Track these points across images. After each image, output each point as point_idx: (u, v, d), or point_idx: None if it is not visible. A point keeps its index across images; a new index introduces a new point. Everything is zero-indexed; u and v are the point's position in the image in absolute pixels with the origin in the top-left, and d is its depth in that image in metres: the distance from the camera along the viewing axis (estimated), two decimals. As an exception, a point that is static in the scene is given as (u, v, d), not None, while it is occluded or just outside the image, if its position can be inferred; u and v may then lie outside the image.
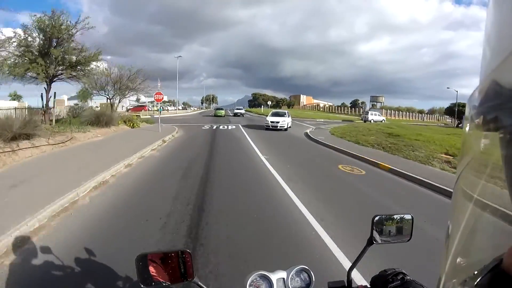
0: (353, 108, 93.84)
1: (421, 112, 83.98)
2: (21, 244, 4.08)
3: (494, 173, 0.40)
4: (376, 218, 1.17)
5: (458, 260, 0.49)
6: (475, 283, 0.41)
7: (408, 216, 1.20)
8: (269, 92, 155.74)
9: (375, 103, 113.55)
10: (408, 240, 1.21)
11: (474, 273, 0.42)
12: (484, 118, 0.39)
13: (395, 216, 1.21)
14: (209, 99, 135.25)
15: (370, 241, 1.18)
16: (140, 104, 47.47)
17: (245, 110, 58.71)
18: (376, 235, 1.17)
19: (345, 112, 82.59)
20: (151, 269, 0.94)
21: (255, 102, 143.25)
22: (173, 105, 77.76)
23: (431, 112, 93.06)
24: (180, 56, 46.00)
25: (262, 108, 66.92)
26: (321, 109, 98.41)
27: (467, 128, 0.46)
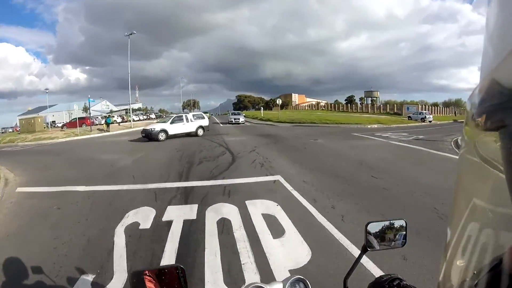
0: (348, 105, 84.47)
1: (435, 105, 74.32)
2: None
3: (494, 172, 0.40)
4: (370, 225, 1.13)
5: (458, 260, 0.50)
6: (475, 283, 0.41)
7: (401, 222, 1.15)
8: (252, 94, 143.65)
9: (370, 98, 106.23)
10: (403, 245, 1.16)
11: (474, 273, 0.43)
12: (484, 117, 0.39)
13: (388, 222, 1.15)
14: (190, 105, 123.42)
15: (365, 248, 1.13)
16: (80, 117, 34.28)
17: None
18: (370, 241, 1.12)
19: (346, 109, 72.55)
20: (147, 284, 0.93)
21: (240, 105, 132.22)
22: (145, 114, 65.17)
23: (446, 105, 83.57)
24: (133, 33, 32.40)
25: (261, 111, 52.92)
26: (322, 108, 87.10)
27: (467, 127, 0.46)
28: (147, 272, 0.95)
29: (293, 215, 4.62)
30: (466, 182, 0.50)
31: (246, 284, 1.06)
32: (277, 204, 5.12)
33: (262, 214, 4.68)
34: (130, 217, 4.81)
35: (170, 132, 17.91)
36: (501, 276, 0.38)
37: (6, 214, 5.42)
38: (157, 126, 18.14)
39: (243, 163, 8.84)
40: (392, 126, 27.51)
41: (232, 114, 39.04)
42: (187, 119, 19.18)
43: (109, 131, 29.35)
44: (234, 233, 4.06)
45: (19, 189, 7.05)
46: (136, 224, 4.53)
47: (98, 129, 29.63)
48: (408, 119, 37.78)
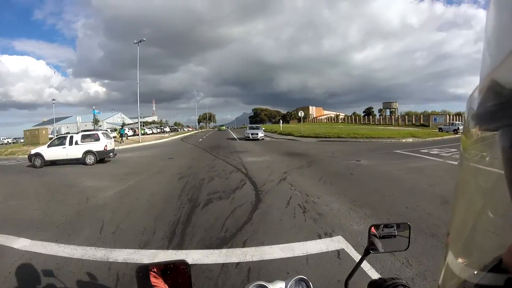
0: (366, 117, 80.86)
1: (458, 114, 69.76)
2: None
3: (494, 172, 0.40)
4: (373, 227, 1.13)
5: (458, 260, 0.49)
6: (475, 283, 0.41)
7: (405, 225, 1.15)
8: (268, 108, 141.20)
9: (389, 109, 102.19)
10: (406, 249, 1.15)
11: (474, 273, 0.43)
12: (484, 118, 0.39)
13: (391, 225, 1.15)
14: (206, 118, 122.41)
15: (367, 251, 1.12)
16: (85, 130, 32.10)
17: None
18: (373, 244, 1.12)
19: (365, 122, 68.55)
20: (152, 279, 0.90)
21: (256, 118, 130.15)
22: (159, 127, 63.40)
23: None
24: (142, 40, 30.40)
25: (280, 125, 49.06)
26: (341, 120, 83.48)
27: (467, 128, 0.45)
28: (150, 267, 0.93)
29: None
30: (466, 182, 0.50)
31: (249, 283, 1.03)
32: None
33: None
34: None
35: (47, 157, 14.32)
36: (501, 276, 0.37)
37: None
38: (39, 149, 14.87)
39: (273, 205, 5.76)
40: (428, 140, 23.81)
41: (249, 128, 32.13)
42: (71, 141, 14.75)
43: (123, 142, 29.25)
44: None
45: None
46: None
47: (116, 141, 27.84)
48: (439, 131, 33.88)
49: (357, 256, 3.51)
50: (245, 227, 4.60)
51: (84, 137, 14.90)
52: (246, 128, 35.68)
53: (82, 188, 8.20)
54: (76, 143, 14.68)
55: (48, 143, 15.18)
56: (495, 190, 0.41)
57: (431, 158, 11.93)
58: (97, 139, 14.89)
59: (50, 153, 14.49)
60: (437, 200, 5.65)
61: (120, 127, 36.55)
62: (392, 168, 9.63)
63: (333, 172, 9.00)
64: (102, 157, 14.61)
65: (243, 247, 3.92)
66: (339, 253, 3.68)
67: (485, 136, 0.40)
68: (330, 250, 3.77)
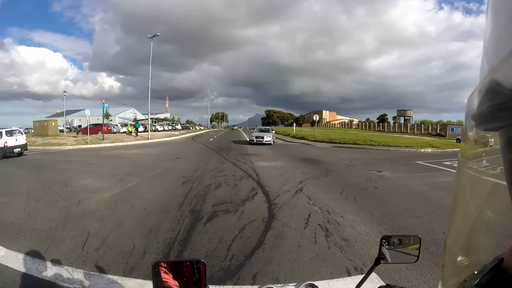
0: (381, 124, 79.17)
1: None
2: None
3: (494, 173, 0.40)
4: (384, 238, 1.14)
5: (458, 260, 0.49)
6: (475, 283, 0.41)
7: (416, 238, 1.15)
8: (281, 110, 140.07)
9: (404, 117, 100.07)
10: (416, 261, 1.14)
11: (474, 273, 0.42)
12: (484, 118, 0.39)
13: (403, 237, 1.17)
14: (218, 117, 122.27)
15: (378, 261, 1.12)
16: (96, 124, 31.72)
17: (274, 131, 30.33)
18: (383, 255, 1.12)
19: (379, 129, 66.84)
20: (165, 276, 0.92)
21: (268, 120, 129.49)
22: (171, 124, 63.23)
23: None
24: (156, 35, 29.74)
25: (294, 128, 47.36)
26: (355, 126, 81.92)
27: (467, 128, 0.45)
28: (162, 263, 0.94)
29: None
30: (466, 183, 0.49)
31: (260, 285, 1.06)
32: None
33: None
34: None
35: None
36: (501, 276, 0.37)
37: None
38: None
39: (289, 224, 4.86)
40: (448, 150, 22.46)
41: (259, 130, 26.88)
42: None
43: (137, 136, 29.43)
44: None
45: None
46: None
47: (126, 133, 27.79)
48: (457, 142, 32.41)
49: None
50: (255, 254, 3.72)
51: None
52: (255, 129, 30.97)
53: (77, 188, 7.47)
54: None
55: None
56: (495, 189, 0.41)
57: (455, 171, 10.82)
58: None
59: None
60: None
61: (136, 122, 37.02)
62: (417, 182, 8.63)
63: (354, 185, 8.04)
64: (3, 154, 14.67)
65: (252, 284, 3.07)
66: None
67: (485, 136, 0.41)
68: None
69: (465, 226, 0.48)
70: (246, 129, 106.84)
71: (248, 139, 25.78)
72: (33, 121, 31.38)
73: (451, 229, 0.52)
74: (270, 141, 23.27)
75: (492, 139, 0.38)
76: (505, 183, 0.35)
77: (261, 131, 25.95)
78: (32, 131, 32.50)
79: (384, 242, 1.13)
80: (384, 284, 3.00)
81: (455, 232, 0.51)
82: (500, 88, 0.34)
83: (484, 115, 0.38)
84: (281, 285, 1.07)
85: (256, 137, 23.15)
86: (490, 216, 0.44)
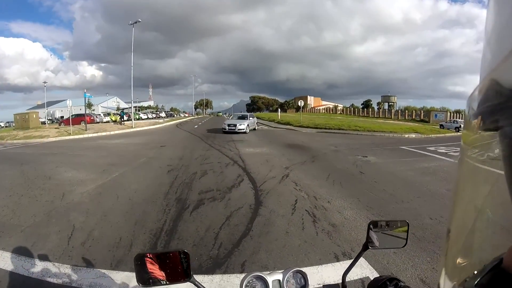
0: (365, 109, 79.97)
1: (457, 111, 69.14)
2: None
3: (494, 172, 0.40)
4: (372, 224, 1.14)
5: (458, 260, 0.50)
6: (475, 283, 0.41)
7: (404, 222, 1.16)
8: (266, 96, 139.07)
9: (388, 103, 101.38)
10: (404, 246, 1.16)
11: (474, 273, 0.43)
12: (484, 118, 0.39)
13: (390, 222, 1.17)
14: (203, 104, 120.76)
15: (366, 246, 1.14)
16: (78, 114, 30.90)
17: (256, 118, 28.53)
18: (371, 240, 1.13)
19: (364, 114, 67.47)
20: (151, 267, 0.92)
21: (253, 106, 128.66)
22: (155, 113, 62.25)
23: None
24: (138, 21, 28.95)
25: (279, 113, 47.22)
26: (339, 112, 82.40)
27: (467, 128, 0.46)
28: (148, 254, 0.94)
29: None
30: (466, 183, 0.49)
31: (246, 274, 1.05)
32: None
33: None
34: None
35: None
36: (501, 276, 0.37)
37: None
38: None
39: (277, 210, 4.90)
40: (431, 136, 23.05)
41: (236, 117, 24.63)
42: None
43: (123, 124, 29.56)
44: None
45: None
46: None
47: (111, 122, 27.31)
48: (441, 128, 33.10)
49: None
50: (243, 242, 3.73)
51: None
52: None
53: (60, 181, 7.28)
54: None
55: None
56: (495, 189, 0.40)
57: (441, 157, 11.08)
58: None
59: None
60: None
61: (121, 110, 36.82)
62: (403, 167, 8.80)
63: (340, 170, 8.15)
64: None
65: (241, 272, 3.08)
66: (364, 283, 2.86)
67: (486, 135, 0.40)
68: (351, 279, 2.92)
69: (465, 226, 0.48)
70: (230, 115, 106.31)
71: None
72: (14, 114, 30.22)
73: (450, 228, 0.51)
74: (244, 129, 20.83)
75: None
76: (505, 182, 0.35)
77: (239, 118, 23.63)
78: (13, 124, 31.51)
79: (372, 227, 1.13)
80: (372, 269, 3.10)
81: (455, 231, 0.51)
82: (500, 88, 0.34)
83: (484, 115, 0.39)
84: (269, 272, 1.08)
85: (228, 125, 20.97)
86: (490, 216, 0.44)
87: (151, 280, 0.92)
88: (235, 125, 20.65)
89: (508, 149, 0.35)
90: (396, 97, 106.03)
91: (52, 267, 3.25)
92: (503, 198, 0.36)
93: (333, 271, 3.09)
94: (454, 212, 0.51)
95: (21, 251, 3.63)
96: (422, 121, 49.09)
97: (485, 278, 0.39)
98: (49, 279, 3.03)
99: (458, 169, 0.49)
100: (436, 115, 50.29)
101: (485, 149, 0.42)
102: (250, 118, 23.54)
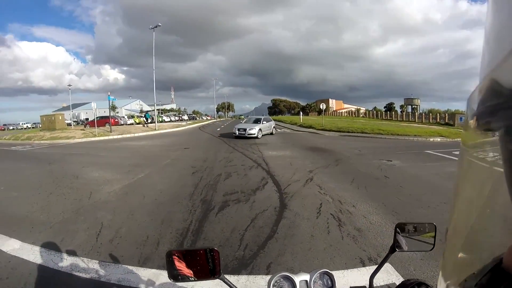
0: (388, 112, 78.04)
1: None
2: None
3: (494, 172, 0.40)
4: (398, 226, 1.12)
5: (458, 259, 0.49)
6: (475, 283, 0.41)
7: (431, 225, 1.14)
8: (287, 99, 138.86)
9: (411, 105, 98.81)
10: (432, 249, 1.11)
11: (474, 273, 0.42)
12: (484, 117, 0.39)
13: (417, 224, 1.15)
14: (225, 107, 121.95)
15: (393, 249, 1.12)
16: (103, 116, 31.85)
17: (273, 121, 24.91)
18: (398, 242, 1.11)
19: (387, 118, 65.81)
20: (179, 264, 0.94)
21: (275, 109, 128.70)
22: (178, 115, 63.22)
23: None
24: (158, 25, 29.38)
25: (300, 116, 47.11)
26: (362, 115, 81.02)
27: (467, 127, 0.45)
28: (176, 252, 0.96)
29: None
30: (466, 183, 0.49)
31: (274, 274, 1.06)
32: None
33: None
34: None
35: None
36: (501, 276, 0.37)
37: None
38: None
39: (301, 213, 4.84)
40: (457, 140, 22.07)
41: (252, 121, 22.35)
42: None
43: (147, 126, 30.90)
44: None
45: None
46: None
47: (135, 124, 28.15)
48: (466, 131, 31.79)
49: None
50: (268, 244, 3.72)
51: None
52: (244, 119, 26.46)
53: (87, 180, 7.52)
54: None
55: None
56: (495, 190, 0.40)
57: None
58: None
59: None
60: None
61: (146, 112, 37.96)
62: (428, 172, 8.53)
63: (365, 174, 7.98)
64: None
65: (267, 274, 3.06)
66: (390, 288, 2.78)
67: (486, 135, 0.40)
68: (377, 284, 2.85)
69: (465, 225, 0.48)
70: (245, 119, 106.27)
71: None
72: (40, 116, 31.47)
73: (450, 228, 0.52)
74: (254, 134, 19.41)
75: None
76: (505, 182, 0.36)
77: (253, 122, 21.93)
78: (40, 125, 32.79)
79: (399, 230, 1.12)
80: (398, 275, 3.02)
81: (454, 232, 0.51)
82: (500, 88, 0.34)
83: (484, 115, 0.39)
84: (297, 273, 1.07)
85: (238, 130, 19.95)
86: (490, 215, 0.44)
87: (180, 277, 0.94)
88: (244, 130, 19.68)
89: (508, 149, 0.35)
90: (419, 100, 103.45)
91: (81, 262, 3.36)
92: (503, 198, 0.36)
93: (359, 276, 3.02)
94: (453, 212, 0.51)
95: (50, 246, 3.78)
96: (446, 124, 47.41)
97: (485, 278, 0.40)
98: (77, 274, 3.12)
99: (457, 169, 0.50)
100: (461, 118, 48.30)
101: (485, 149, 0.42)
102: (264, 122, 22.04)
